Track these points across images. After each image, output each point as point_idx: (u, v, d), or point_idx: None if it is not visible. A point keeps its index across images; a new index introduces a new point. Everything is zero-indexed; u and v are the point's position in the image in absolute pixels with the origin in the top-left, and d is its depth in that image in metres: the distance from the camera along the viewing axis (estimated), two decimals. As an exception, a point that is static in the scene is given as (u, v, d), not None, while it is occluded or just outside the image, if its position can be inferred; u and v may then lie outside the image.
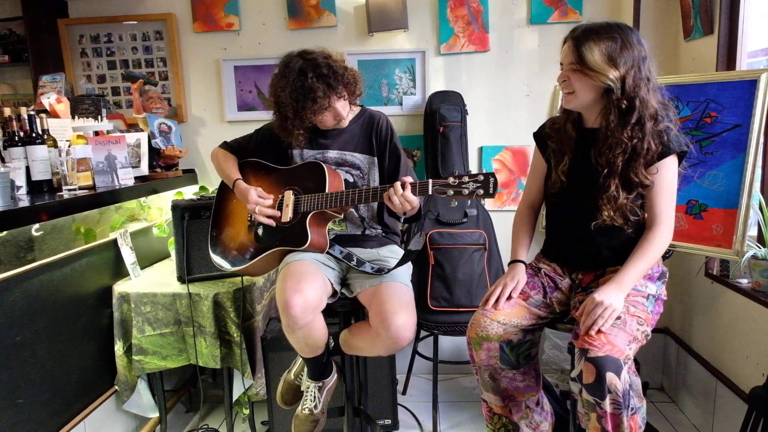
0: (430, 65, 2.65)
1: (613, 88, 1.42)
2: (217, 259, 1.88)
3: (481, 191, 1.45)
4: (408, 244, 2.29)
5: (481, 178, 1.45)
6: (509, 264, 1.70)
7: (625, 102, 1.43)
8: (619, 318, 1.39)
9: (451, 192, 1.47)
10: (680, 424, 2.30)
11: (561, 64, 1.52)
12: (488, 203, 2.65)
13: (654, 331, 1.48)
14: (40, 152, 1.97)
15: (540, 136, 1.71)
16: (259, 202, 1.75)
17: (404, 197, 1.52)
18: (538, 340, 1.64)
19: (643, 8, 2.37)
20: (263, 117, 2.55)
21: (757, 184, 1.84)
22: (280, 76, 1.72)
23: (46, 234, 1.93)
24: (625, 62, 1.41)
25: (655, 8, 2.38)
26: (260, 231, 1.81)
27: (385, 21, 2.56)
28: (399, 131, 2.67)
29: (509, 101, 2.65)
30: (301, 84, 1.66)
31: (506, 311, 1.56)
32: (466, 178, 1.46)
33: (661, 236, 1.48)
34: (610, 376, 1.28)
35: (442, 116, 2.52)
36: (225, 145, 1.96)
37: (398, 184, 1.53)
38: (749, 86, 1.80)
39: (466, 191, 1.46)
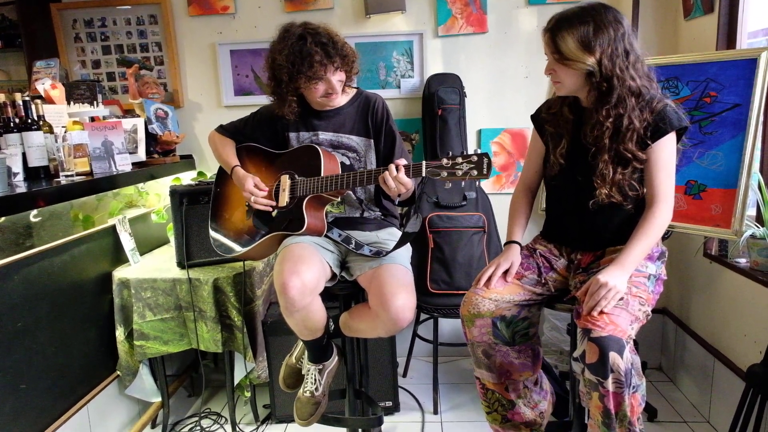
0: (428, 47, 2.63)
1: (593, 71, 1.43)
2: (217, 240, 1.88)
3: (475, 172, 1.44)
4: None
5: (475, 158, 1.44)
6: (504, 245, 1.70)
7: (604, 84, 1.44)
8: (621, 299, 1.40)
9: (444, 173, 1.46)
10: (678, 402, 2.33)
11: (546, 54, 1.52)
12: (487, 186, 2.65)
13: (653, 311, 1.49)
14: (36, 138, 1.96)
15: (538, 118, 1.71)
16: (254, 192, 1.76)
17: (398, 179, 1.52)
18: (537, 320, 1.65)
19: (643, -13, 2.35)
20: (260, 101, 2.53)
21: (756, 164, 1.84)
22: (279, 40, 1.70)
23: (45, 220, 1.93)
24: (600, 44, 1.41)
25: (654, -13, 2.36)
26: (258, 216, 1.80)
27: (382, 3, 2.53)
28: (397, 114, 2.66)
29: (508, 83, 2.63)
30: (299, 48, 1.64)
31: (498, 289, 1.57)
32: (460, 159, 1.45)
33: (662, 214, 1.48)
34: (613, 356, 1.29)
35: (441, 99, 2.50)
36: (221, 129, 1.95)
37: (392, 166, 1.53)
38: (749, 65, 1.79)
39: (460, 172, 1.45)
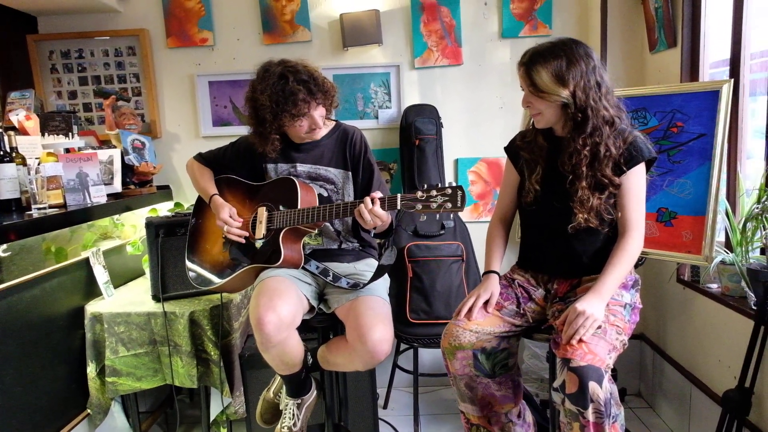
0: (404, 79, 2.68)
1: (568, 103, 1.48)
2: (194, 272, 1.85)
3: (449, 204, 1.45)
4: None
5: (449, 191, 1.45)
6: (483, 275, 1.71)
7: (579, 114, 1.49)
8: (599, 327, 1.41)
9: (419, 206, 1.47)
10: (657, 428, 2.33)
11: (522, 88, 1.57)
12: (465, 215, 2.67)
13: (630, 337, 1.51)
14: (8, 170, 1.93)
15: (512, 149, 1.75)
16: (228, 221, 1.75)
17: (373, 212, 1.52)
18: (516, 350, 1.65)
19: (610, 22, 2.44)
20: (238, 132, 2.54)
21: (723, 191, 1.89)
22: (260, 80, 1.70)
23: (15, 255, 1.88)
24: (573, 77, 1.46)
25: (621, 22, 2.45)
26: (235, 248, 1.79)
27: (359, 35, 2.58)
28: (375, 144, 2.69)
29: (483, 113, 2.69)
30: (281, 87, 1.65)
31: (479, 320, 1.57)
32: (434, 192, 1.46)
33: (634, 242, 1.52)
34: (592, 386, 1.30)
35: (418, 129, 2.54)
36: (200, 158, 1.95)
37: (368, 199, 1.53)
38: (712, 97, 1.86)
39: (435, 205, 1.46)
